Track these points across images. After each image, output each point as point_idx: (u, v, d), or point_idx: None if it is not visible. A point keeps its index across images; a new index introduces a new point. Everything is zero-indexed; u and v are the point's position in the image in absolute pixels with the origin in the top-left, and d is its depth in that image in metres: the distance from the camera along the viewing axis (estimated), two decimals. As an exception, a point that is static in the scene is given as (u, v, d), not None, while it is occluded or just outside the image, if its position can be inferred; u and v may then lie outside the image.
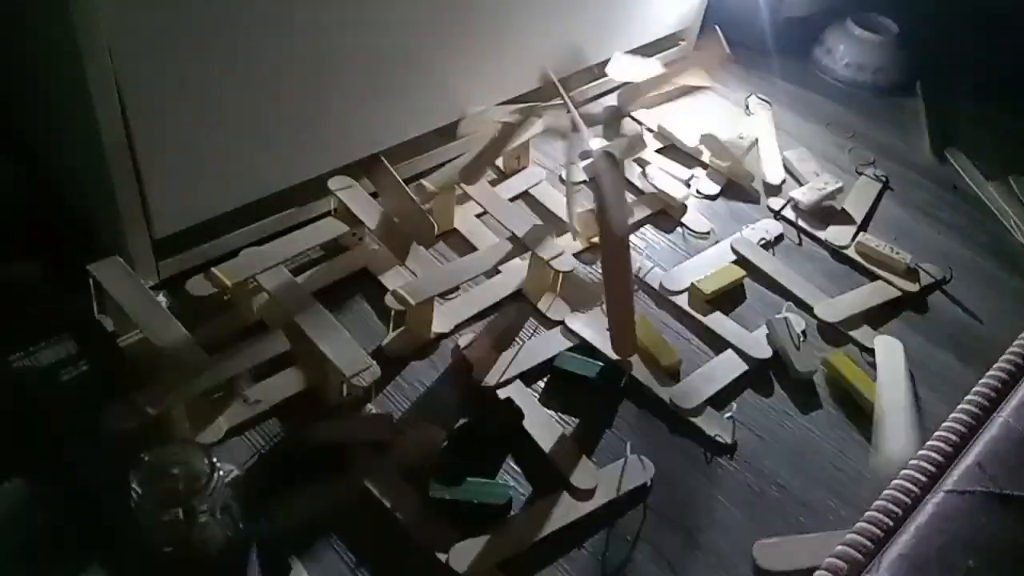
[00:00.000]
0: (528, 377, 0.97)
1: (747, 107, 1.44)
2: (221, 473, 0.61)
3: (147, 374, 0.85)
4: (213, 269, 0.95)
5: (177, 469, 0.61)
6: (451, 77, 1.13)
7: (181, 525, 0.60)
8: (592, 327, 1.01)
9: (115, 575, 0.71)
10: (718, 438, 0.94)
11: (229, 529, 0.64)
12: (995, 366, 0.84)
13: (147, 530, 0.61)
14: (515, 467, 0.89)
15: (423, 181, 1.09)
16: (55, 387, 0.89)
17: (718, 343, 1.04)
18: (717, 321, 1.06)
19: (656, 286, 1.09)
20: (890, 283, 1.15)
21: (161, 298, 0.97)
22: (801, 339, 1.03)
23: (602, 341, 1.00)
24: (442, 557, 0.79)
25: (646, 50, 1.42)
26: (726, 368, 1.00)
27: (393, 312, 0.96)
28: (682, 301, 1.08)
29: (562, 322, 1.02)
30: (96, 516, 0.78)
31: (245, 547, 0.67)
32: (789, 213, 1.23)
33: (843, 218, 1.24)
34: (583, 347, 1.00)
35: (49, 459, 0.82)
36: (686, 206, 1.21)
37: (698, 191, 1.25)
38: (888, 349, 1.04)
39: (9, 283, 0.96)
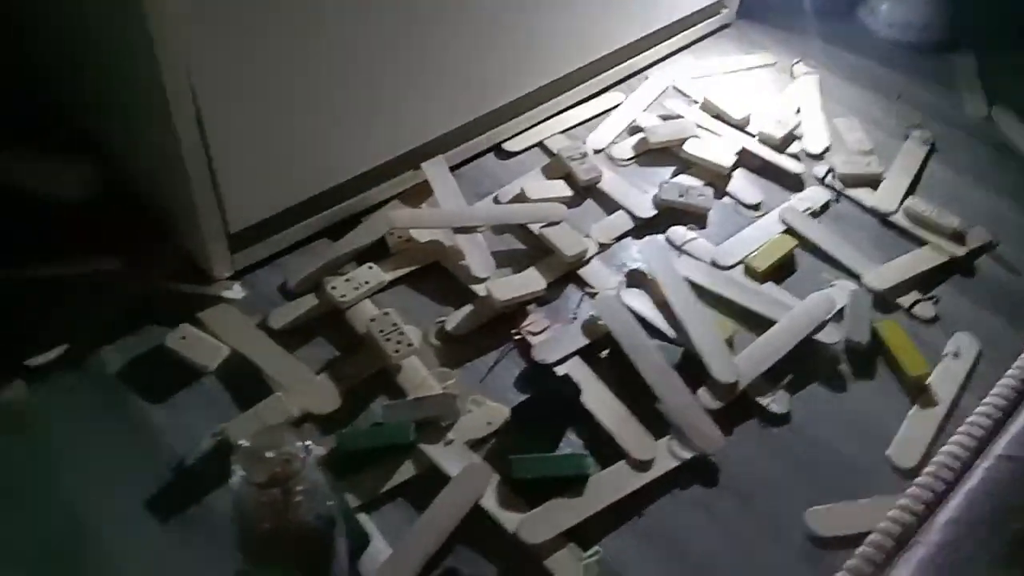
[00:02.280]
0: (586, 353, 1.01)
1: (792, 73, 1.44)
2: (312, 454, 0.66)
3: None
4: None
5: (273, 453, 0.66)
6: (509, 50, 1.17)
7: (279, 505, 0.65)
8: (648, 303, 1.05)
9: (216, 549, 0.78)
10: (772, 407, 0.97)
11: (320, 507, 0.69)
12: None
13: (246, 510, 0.67)
14: (576, 440, 0.94)
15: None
16: (143, 376, 0.95)
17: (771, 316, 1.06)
18: (770, 292, 1.09)
19: (708, 261, 1.12)
20: (938, 247, 1.16)
21: (237, 288, 1.03)
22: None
23: (655, 316, 1.03)
24: (511, 528, 0.85)
25: (684, 23, 1.43)
26: (780, 340, 1.02)
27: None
28: (734, 274, 1.11)
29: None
30: (196, 495, 0.86)
31: (332, 521, 0.72)
32: (834, 182, 1.25)
33: (890, 184, 1.25)
34: (639, 321, 1.03)
35: (148, 440, 0.90)
36: (732, 175, 1.24)
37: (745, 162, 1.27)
38: (962, 345, 1.04)
39: (89, 277, 1.02)
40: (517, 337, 1.02)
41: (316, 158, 1.04)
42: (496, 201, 1.17)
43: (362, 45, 0.99)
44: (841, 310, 1.07)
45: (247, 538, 0.70)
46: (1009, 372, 0.79)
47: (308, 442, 0.65)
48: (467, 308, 1.04)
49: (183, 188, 0.93)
